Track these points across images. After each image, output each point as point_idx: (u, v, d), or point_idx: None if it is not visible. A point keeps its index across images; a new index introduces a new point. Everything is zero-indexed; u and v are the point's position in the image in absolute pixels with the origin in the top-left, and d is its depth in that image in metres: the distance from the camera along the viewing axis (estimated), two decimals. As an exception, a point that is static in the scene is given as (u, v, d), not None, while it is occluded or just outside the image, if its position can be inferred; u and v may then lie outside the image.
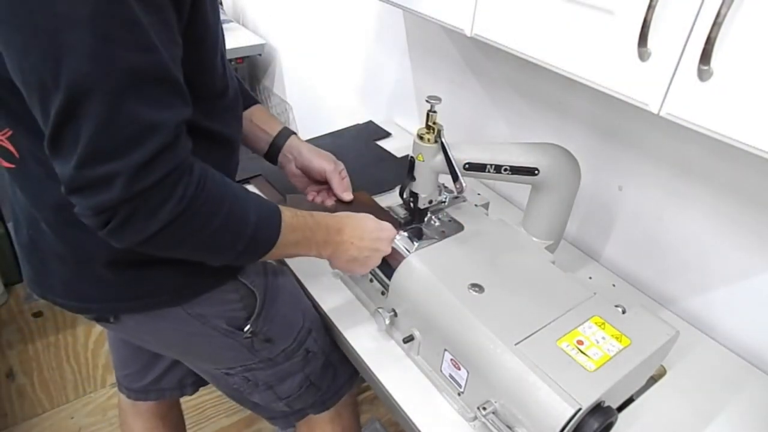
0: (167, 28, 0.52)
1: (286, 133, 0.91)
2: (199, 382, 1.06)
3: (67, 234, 0.65)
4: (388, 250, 0.79)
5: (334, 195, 0.90)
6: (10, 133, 0.60)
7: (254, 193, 0.65)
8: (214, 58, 0.64)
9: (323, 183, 0.91)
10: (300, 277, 0.93)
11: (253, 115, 0.89)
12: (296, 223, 0.67)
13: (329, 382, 0.92)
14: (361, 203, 0.90)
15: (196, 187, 0.54)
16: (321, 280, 0.93)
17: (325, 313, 0.88)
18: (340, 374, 0.93)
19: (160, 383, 1.04)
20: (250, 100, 0.91)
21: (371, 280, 0.85)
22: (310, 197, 0.92)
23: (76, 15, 0.45)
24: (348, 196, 0.89)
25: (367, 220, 0.78)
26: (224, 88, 0.68)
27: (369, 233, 0.76)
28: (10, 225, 1.82)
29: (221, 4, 2.40)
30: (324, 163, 0.89)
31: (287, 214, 0.66)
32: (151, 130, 0.50)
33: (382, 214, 0.88)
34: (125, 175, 0.49)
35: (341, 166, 0.91)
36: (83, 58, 0.46)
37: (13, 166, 0.63)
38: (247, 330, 0.77)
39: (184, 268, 0.68)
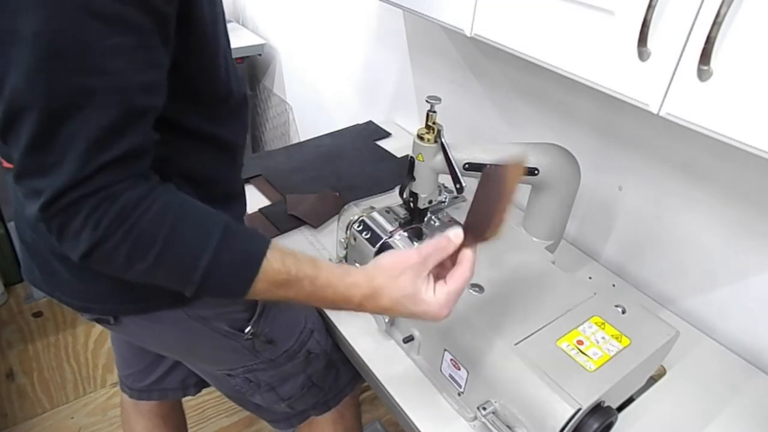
0: (144, 52, 0.49)
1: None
2: (201, 383, 1.05)
3: None
4: (443, 317, 0.59)
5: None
6: None
7: (237, 230, 0.54)
8: (216, 65, 0.62)
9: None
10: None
11: None
12: (284, 282, 0.54)
13: (331, 383, 0.92)
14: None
15: (115, 219, 0.49)
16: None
17: (325, 314, 0.88)
18: (342, 375, 0.93)
19: (162, 383, 1.04)
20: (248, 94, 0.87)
21: (371, 280, 0.85)
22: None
23: (25, 31, 0.43)
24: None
25: (403, 306, 0.57)
26: (228, 94, 0.66)
27: (401, 313, 0.58)
28: (10, 225, 1.82)
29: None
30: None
31: (275, 267, 0.54)
32: (81, 156, 0.47)
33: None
34: (47, 194, 0.47)
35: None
36: (24, 75, 0.45)
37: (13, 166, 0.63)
38: (249, 331, 0.77)
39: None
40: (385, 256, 0.59)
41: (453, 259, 0.59)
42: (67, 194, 0.48)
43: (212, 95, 0.63)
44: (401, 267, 0.56)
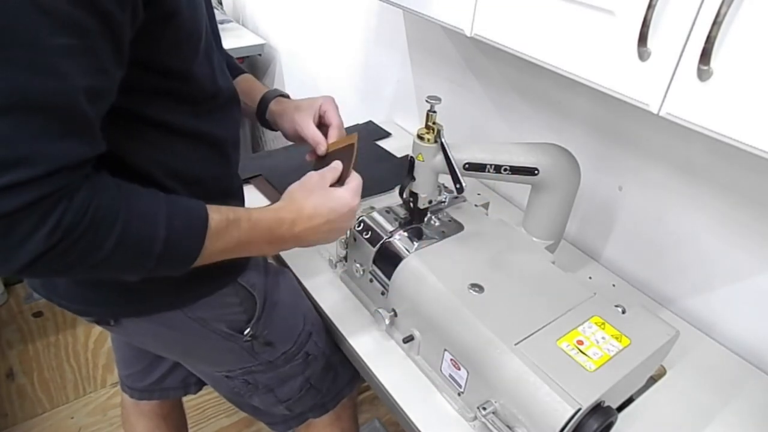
0: (90, 55, 0.46)
1: (266, 100, 0.85)
2: (202, 381, 1.05)
3: None
4: (352, 225, 0.75)
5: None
6: None
7: (174, 199, 0.57)
8: (192, 66, 0.60)
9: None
10: (300, 278, 0.93)
11: (238, 86, 0.79)
12: (226, 229, 0.60)
13: (329, 385, 0.92)
14: (340, 153, 0.81)
15: (76, 214, 0.48)
16: (321, 280, 0.93)
17: (325, 314, 0.88)
18: (340, 376, 0.93)
19: (163, 383, 1.04)
20: (237, 71, 0.88)
21: (371, 281, 0.85)
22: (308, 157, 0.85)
23: None
24: (321, 148, 0.80)
25: (321, 205, 0.69)
26: (216, 91, 0.65)
27: (325, 216, 0.69)
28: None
29: (221, 4, 2.40)
30: (297, 117, 0.81)
31: (215, 218, 0.59)
32: (20, 159, 0.44)
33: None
34: None
35: (316, 107, 0.83)
36: None
37: None
38: (248, 333, 0.77)
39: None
40: (293, 186, 0.71)
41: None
42: (10, 198, 0.44)
43: (197, 93, 0.62)
44: (310, 186, 0.70)
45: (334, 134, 0.83)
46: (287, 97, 0.89)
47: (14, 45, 0.42)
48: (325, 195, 0.70)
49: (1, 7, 0.41)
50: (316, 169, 0.73)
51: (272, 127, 0.87)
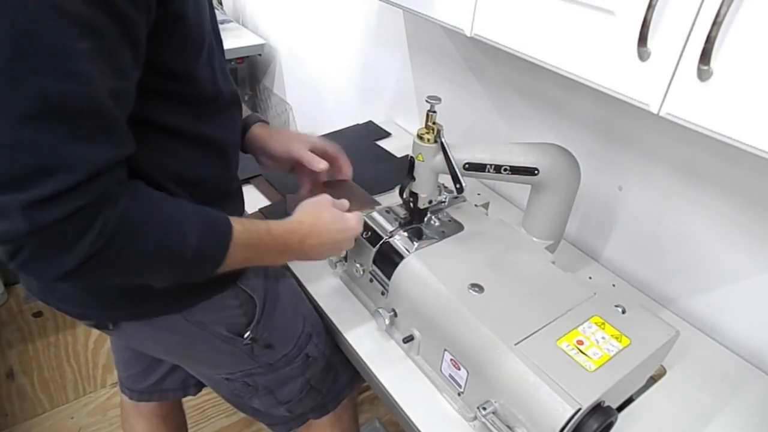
0: (111, 57, 0.47)
1: (250, 122, 0.86)
2: (202, 383, 1.05)
3: None
4: (351, 246, 0.79)
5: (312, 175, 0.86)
6: None
7: (201, 209, 0.60)
8: (195, 68, 0.60)
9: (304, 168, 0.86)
10: (300, 278, 0.93)
11: None
12: (248, 239, 0.64)
13: (329, 386, 0.92)
14: (339, 182, 0.87)
15: (119, 220, 0.49)
16: (321, 281, 0.93)
17: (325, 314, 0.88)
18: (340, 377, 0.93)
19: (162, 384, 1.04)
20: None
21: (371, 281, 0.85)
22: (303, 192, 0.89)
23: None
24: (320, 165, 0.84)
25: (331, 222, 0.74)
26: (217, 94, 0.65)
27: (331, 235, 0.74)
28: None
29: (221, 4, 2.40)
30: (289, 144, 0.84)
31: (239, 229, 0.62)
32: (61, 166, 0.45)
33: (359, 192, 0.86)
34: (19, 209, 0.44)
35: (313, 141, 0.86)
36: None
37: None
38: (248, 336, 0.77)
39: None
40: (305, 205, 0.75)
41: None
42: (57, 206, 0.45)
43: (199, 96, 0.63)
44: (323, 205, 0.75)
45: (344, 167, 0.90)
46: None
47: (39, 52, 0.43)
48: (335, 215, 0.75)
49: (23, 15, 0.41)
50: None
51: (245, 148, 0.87)
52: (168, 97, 0.59)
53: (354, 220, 0.77)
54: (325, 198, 0.76)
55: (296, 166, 0.87)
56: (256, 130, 0.86)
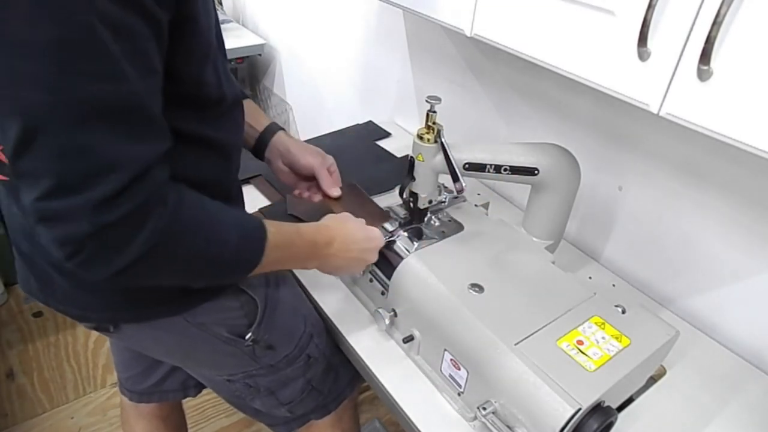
0: (144, 57, 0.49)
1: (274, 128, 0.89)
2: (202, 384, 1.05)
3: None
4: (375, 259, 0.80)
5: (322, 191, 0.89)
6: (2, 146, 0.59)
7: (236, 211, 0.62)
8: (204, 71, 0.61)
9: (312, 179, 0.90)
10: (300, 279, 0.93)
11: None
12: (281, 241, 0.65)
13: (330, 386, 0.92)
14: (351, 197, 0.89)
15: (170, 218, 0.51)
16: (321, 281, 0.93)
17: (325, 314, 0.88)
18: (341, 378, 0.93)
19: (162, 385, 1.03)
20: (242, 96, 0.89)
21: (371, 281, 0.85)
22: (296, 193, 0.91)
23: (36, 42, 0.42)
24: (335, 192, 0.88)
25: (357, 231, 0.77)
26: (221, 98, 0.66)
27: (357, 244, 0.76)
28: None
29: (221, 4, 2.40)
30: (311, 158, 0.88)
31: (272, 231, 0.63)
32: (115, 165, 0.47)
33: (371, 207, 0.87)
34: (86, 210, 0.46)
35: (330, 160, 0.90)
36: (41, 88, 0.43)
37: (7, 179, 0.62)
38: (249, 337, 0.77)
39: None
40: (328, 216, 0.78)
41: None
42: (119, 205, 0.47)
43: (204, 99, 0.63)
44: (344, 217, 0.78)
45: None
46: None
47: (82, 56, 0.44)
48: (360, 224, 0.78)
49: (64, 22, 0.42)
50: (332, 210, 0.83)
51: (262, 154, 0.90)
52: (175, 101, 0.59)
53: (377, 232, 0.79)
54: (345, 213, 0.80)
55: (308, 178, 0.90)
56: (282, 136, 0.89)
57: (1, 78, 0.44)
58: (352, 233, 0.76)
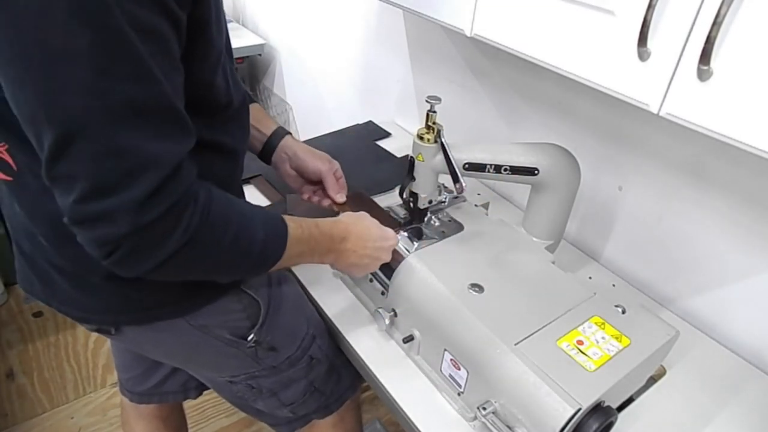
0: (168, 57, 0.50)
1: (281, 132, 0.91)
2: (202, 386, 1.05)
3: (65, 248, 0.64)
4: (389, 258, 0.79)
5: (328, 196, 0.90)
6: (7, 146, 0.59)
7: (259, 207, 0.64)
8: (216, 75, 0.62)
9: (318, 183, 0.91)
10: (301, 279, 0.93)
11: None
12: (301, 234, 0.67)
13: (333, 387, 0.92)
14: (361, 206, 0.89)
15: (201, 214, 0.53)
16: (321, 282, 0.93)
17: (326, 315, 0.88)
18: (343, 378, 0.93)
19: (163, 387, 1.03)
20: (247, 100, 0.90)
21: (371, 281, 0.85)
22: (305, 197, 0.92)
23: (70, 49, 0.43)
24: (341, 198, 0.89)
25: (372, 228, 0.77)
26: (228, 102, 0.66)
27: (372, 242, 0.76)
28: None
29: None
30: (319, 163, 0.89)
31: (292, 225, 0.65)
32: (149, 164, 0.48)
33: (380, 213, 0.88)
34: (126, 210, 0.47)
35: (336, 165, 0.91)
36: (77, 94, 0.44)
37: (10, 179, 0.62)
38: (251, 339, 0.77)
39: (185, 280, 0.67)
40: (344, 213, 0.79)
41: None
42: (157, 203, 0.48)
43: (212, 104, 0.63)
44: (359, 216, 0.78)
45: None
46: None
47: (117, 59, 0.45)
48: (375, 223, 0.78)
49: (99, 29, 0.43)
50: (328, 211, 0.83)
51: (269, 158, 0.92)
52: (190, 106, 0.59)
53: (392, 232, 0.80)
54: (362, 212, 0.80)
55: (314, 182, 0.91)
56: (290, 140, 0.91)
57: (39, 87, 0.45)
58: (367, 231, 0.76)
